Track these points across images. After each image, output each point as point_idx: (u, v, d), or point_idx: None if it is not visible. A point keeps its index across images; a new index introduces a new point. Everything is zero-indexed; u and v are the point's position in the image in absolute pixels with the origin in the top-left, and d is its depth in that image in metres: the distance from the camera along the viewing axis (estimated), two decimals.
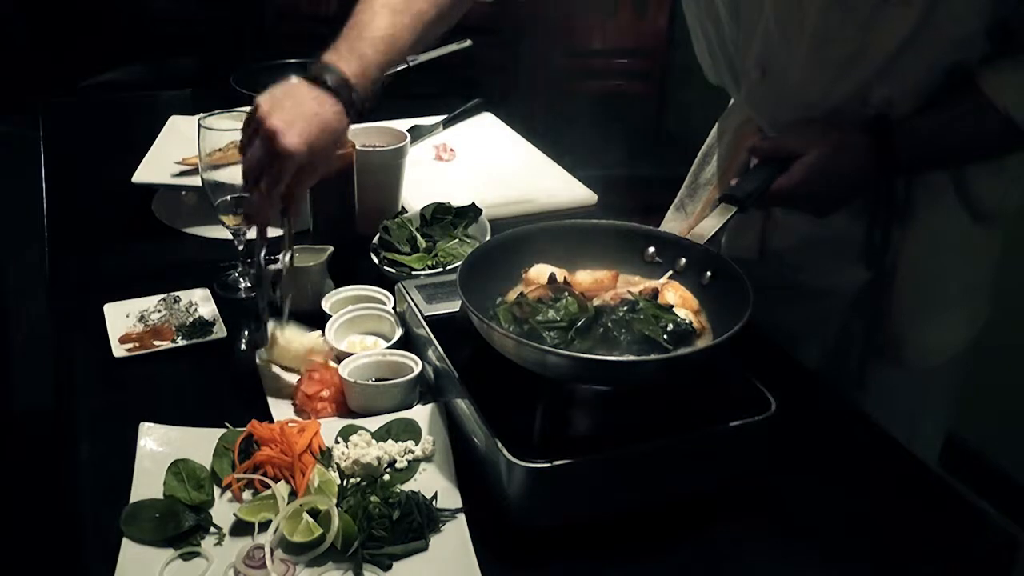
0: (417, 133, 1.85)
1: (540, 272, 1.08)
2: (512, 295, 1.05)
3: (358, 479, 0.96)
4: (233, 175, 1.26)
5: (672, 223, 1.54)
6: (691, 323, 0.99)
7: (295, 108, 1.05)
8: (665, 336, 0.96)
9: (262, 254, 1.12)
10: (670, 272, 1.10)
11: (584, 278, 1.09)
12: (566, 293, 1.01)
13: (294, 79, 1.09)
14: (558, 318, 0.97)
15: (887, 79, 1.12)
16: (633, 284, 1.09)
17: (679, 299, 1.04)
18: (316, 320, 1.21)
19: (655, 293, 1.03)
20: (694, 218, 1.48)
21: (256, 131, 1.05)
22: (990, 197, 1.23)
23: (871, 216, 1.25)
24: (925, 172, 1.19)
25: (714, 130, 1.48)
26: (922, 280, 1.26)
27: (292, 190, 1.07)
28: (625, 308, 0.99)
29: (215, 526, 0.90)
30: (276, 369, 1.14)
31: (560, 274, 1.06)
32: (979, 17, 1.06)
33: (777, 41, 1.17)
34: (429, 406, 1.06)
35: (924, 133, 1.13)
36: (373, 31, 1.13)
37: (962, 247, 1.25)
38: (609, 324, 0.97)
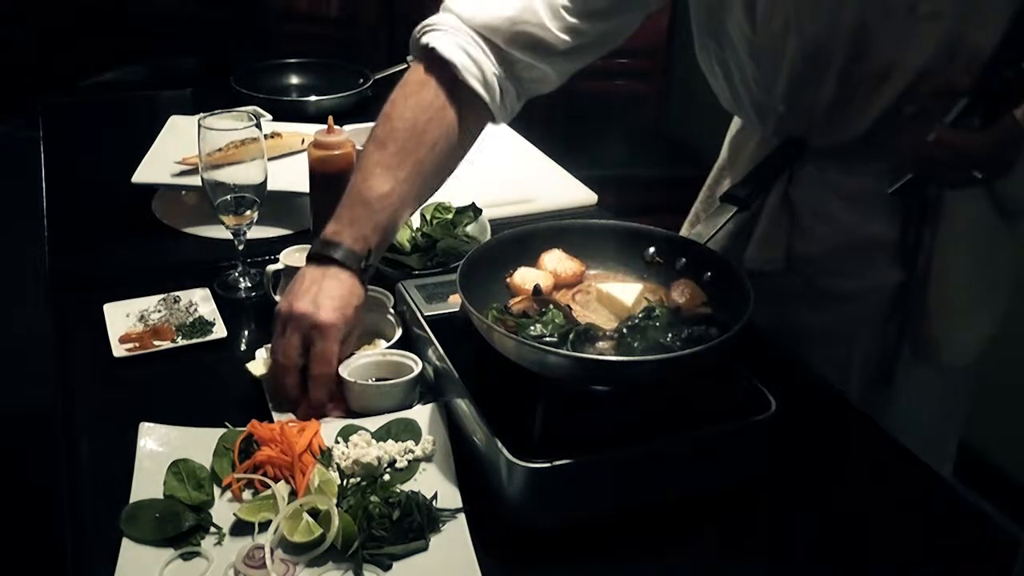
0: None
1: (524, 278, 1.08)
2: (513, 302, 1.05)
3: (358, 479, 0.95)
4: (233, 175, 1.26)
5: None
6: (708, 330, 0.97)
7: (315, 291, 1.05)
8: (679, 344, 0.95)
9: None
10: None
11: (551, 262, 1.09)
12: (551, 305, 1.01)
13: (303, 267, 1.09)
14: (547, 333, 0.97)
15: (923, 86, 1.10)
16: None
17: (687, 296, 1.04)
18: None
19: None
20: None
21: (285, 327, 1.05)
22: (1018, 195, 1.23)
23: (904, 215, 1.24)
24: None
25: (725, 145, 1.45)
26: (955, 279, 1.26)
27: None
28: (642, 315, 0.98)
29: (215, 526, 0.90)
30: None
31: (544, 279, 1.06)
32: (1006, 12, 1.04)
33: (802, 71, 1.15)
34: (429, 406, 1.06)
35: None
36: (368, 191, 1.10)
37: (989, 245, 1.26)
38: (624, 331, 0.97)
